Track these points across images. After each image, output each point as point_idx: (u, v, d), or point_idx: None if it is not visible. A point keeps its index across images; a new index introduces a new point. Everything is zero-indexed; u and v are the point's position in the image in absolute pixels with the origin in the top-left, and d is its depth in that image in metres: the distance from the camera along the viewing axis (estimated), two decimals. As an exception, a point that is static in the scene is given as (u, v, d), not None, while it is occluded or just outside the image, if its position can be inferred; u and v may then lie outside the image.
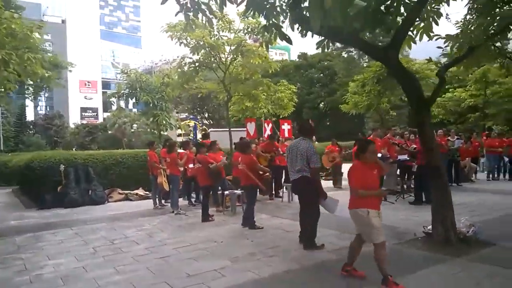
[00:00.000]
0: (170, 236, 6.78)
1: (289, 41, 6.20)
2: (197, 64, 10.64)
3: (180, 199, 10.28)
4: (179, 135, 21.09)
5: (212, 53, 10.31)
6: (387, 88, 13.93)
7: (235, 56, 10.42)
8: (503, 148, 13.50)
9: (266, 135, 11.53)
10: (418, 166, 9.28)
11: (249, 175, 6.88)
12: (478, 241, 5.68)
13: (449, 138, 12.53)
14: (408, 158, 9.76)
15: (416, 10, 5.23)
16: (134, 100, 16.52)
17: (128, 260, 5.45)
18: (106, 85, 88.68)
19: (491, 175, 13.63)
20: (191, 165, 9.49)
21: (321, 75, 51.07)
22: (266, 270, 4.80)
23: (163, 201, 10.08)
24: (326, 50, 6.64)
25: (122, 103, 53.34)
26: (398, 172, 10.88)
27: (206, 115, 49.59)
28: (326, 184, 10.85)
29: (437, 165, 5.84)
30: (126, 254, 5.76)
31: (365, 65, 45.92)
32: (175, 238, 6.65)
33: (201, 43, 9.73)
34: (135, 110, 57.29)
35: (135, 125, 59.55)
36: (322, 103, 48.47)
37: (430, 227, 6.22)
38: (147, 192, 11.79)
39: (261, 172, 7.26)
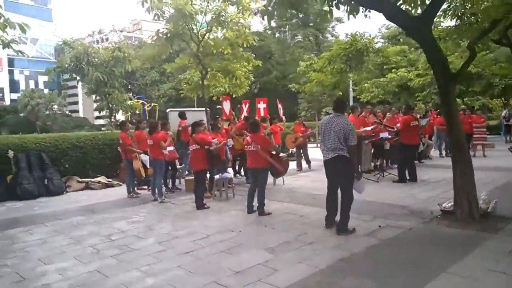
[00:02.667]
0: (175, 228, 6.05)
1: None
2: (168, 35, 9.62)
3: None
4: (128, 117, 19.44)
5: (186, 23, 9.37)
6: (354, 66, 13.93)
7: (210, 27, 9.59)
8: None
9: (243, 116, 10.90)
10: (401, 145, 9.33)
11: (263, 156, 6.33)
12: (496, 216, 5.77)
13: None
14: (389, 136, 9.84)
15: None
16: (79, 77, 14.72)
17: (148, 259, 4.69)
18: (11, 62, 79.46)
19: (444, 152, 14.38)
20: (170, 148, 8.65)
21: (253, 55, 50.82)
22: (318, 260, 4.38)
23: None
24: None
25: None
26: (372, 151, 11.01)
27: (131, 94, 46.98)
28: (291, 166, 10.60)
29: (460, 139, 5.79)
30: (139, 252, 4.97)
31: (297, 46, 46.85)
32: (182, 229, 5.93)
33: (178, 11, 8.77)
34: (79, 88, 51.03)
35: (55, 107, 54.74)
36: (255, 84, 48.36)
37: (446, 204, 6.24)
38: (110, 180, 10.67)
39: (274, 152, 6.72)
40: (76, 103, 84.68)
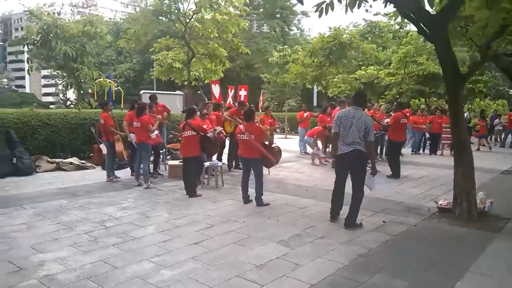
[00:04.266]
0: (173, 216, 5.72)
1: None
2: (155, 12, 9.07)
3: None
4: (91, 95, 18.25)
5: (175, 1, 8.88)
6: (335, 60, 13.92)
7: (198, 8, 9.13)
8: (426, 125, 14.77)
9: (228, 102, 10.56)
10: (389, 141, 9.45)
11: (257, 146, 6.11)
12: (492, 215, 5.93)
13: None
14: (382, 132, 9.93)
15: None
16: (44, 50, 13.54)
17: (155, 249, 4.38)
18: None
19: (414, 150, 14.83)
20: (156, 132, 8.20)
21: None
22: (336, 255, 4.27)
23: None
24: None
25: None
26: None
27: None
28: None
29: (464, 139, 5.88)
30: (142, 241, 4.64)
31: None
32: (181, 218, 5.63)
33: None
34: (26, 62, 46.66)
35: (4, 81, 51.27)
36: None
37: (441, 201, 6.35)
38: (83, 161, 10.02)
39: (266, 143, 6.52)
40: (23, 78, 79.67)
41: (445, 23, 5.30)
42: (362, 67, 23.14)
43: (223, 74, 14.40)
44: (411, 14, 5.62)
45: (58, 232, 4.94)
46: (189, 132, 6.86)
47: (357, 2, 6.12)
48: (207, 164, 7.76)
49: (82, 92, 14.36)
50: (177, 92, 15.70)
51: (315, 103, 36.91)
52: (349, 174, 5.41)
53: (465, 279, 3.71)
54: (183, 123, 7.19)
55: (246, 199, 6.51)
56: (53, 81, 48.68)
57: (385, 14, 31.42)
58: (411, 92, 21.78)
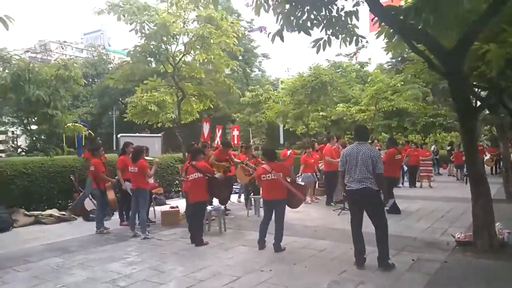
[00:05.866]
0: (189, 269, 5.21)
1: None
2: (144, 54, 8.78)
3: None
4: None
5: (164, 42, 8.65)
6: (316, 98, 14.07)
7: (188, 49, 8.93)
8: (403, 158, 15.05)
9: (216, 142, 10.22)
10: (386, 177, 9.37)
11: (285, 185, 5.82)
12: (509, 245, 5.89)
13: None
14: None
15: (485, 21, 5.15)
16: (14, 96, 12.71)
17: (189, 309, 3.89)
18: None
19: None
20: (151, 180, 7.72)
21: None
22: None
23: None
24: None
25: None
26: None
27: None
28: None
29: (481, 172, 5.89)
30: (171, 301, 4.13)
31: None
32: (199, 270, 5.14)
33: (162, 28, 8.03)
34: None
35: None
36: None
37: (458, 235, 6.26)
38: (63, 213, 9.22)
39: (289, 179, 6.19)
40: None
41: (459, 59, 5.38)
42: (338, 105, 23.70)
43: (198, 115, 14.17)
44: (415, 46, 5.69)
45: (68, 298, 4.32)
46: (195, 175, 6.45)
47: (354, 38, 6.26)
48: (209, 208, 7.31)
49: (54, 139, 13.59)
50: (156, 134, 15.23)
51: (281, 141, 37.27)
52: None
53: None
54: (186, 165, 6.79)
55: (263, 244, 6.12)
56: (3, 128, 46.46)
57: (346, 55, 32.97)
58: (381, 127, 22.45)
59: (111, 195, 7.62)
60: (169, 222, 8.28)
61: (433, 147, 22.40)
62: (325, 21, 5.90)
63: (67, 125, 13.06)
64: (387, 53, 7.75)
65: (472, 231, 5.94)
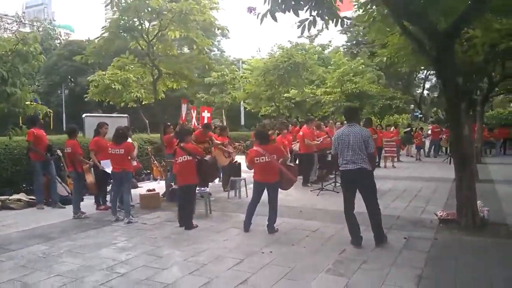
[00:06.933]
0: (188, 253, 5.08)
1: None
2: (120, 30, 8.26)
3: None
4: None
5: (141, 18, 8.17)
6: (288, 80, 13.99)
7: (164, 26, 8.49)
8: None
9: (193, 123, 9.94)
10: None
11: (280, 167, 5.77)
12: (489, 222, 6.23)
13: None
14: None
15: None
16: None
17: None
18: None
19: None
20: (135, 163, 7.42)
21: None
22: (401, 280, 4.06)
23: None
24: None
25: None
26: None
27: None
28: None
29: (467, 153, 6.14)
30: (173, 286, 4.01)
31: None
32: (199, 254, 5.02)
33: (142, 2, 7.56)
34: None
35: None
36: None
37: (440, 213, 6.55)
38: (32, 197, 8.67)
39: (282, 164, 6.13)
40: None
41: (450, 42, 5.50)
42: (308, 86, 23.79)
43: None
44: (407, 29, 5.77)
45: (67, 287, 4.07)
46: (184, 157, 6.24)
47: (340, 20, 6.25)
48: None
49: (11, 118, 12.66)
50: (123, 114, 14.64)
51: (242, 123, 37.13)
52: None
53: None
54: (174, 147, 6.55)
55: (248, 227, 6.09)
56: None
57: (308, 37, 33.12)
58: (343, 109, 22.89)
59: (90, 178, 7.24)
60: (148, 205, 8.03)
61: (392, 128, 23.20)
62: (313, 2, 5.84)
63: (27, 103, 12.25)
64: (367, 38, 7.90)
65: (456, 209, 6.23)
